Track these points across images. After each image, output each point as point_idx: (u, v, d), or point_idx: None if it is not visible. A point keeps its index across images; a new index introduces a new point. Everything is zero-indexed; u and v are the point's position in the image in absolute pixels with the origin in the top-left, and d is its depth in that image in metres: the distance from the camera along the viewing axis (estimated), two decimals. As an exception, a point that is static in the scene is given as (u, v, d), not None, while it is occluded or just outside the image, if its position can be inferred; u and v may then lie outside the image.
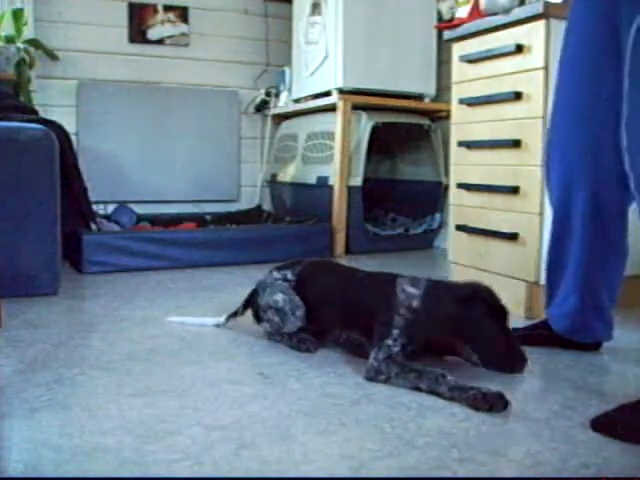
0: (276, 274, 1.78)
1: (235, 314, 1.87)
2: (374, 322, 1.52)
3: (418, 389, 1.38)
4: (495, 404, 1.27)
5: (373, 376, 1.45)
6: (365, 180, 3.43)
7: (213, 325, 1.90)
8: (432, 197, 3.68)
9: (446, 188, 3.31)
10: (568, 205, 1.59)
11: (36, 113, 2.95)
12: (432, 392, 1.36)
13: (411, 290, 1.50)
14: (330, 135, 3.46)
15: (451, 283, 1.58)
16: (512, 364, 1.45)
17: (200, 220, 3.70)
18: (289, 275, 1.75)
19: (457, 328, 1.44)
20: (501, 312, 1.46)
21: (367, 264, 2.99)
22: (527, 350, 1.49)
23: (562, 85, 1.60)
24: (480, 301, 1.44)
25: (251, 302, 1.83)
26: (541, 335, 1.72)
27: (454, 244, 2.43)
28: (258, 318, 1.80)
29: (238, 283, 2.62)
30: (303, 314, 1.68)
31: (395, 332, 1.46)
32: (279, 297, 1.70)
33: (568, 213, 1.60)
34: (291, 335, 1.69)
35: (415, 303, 1.48)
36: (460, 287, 1.50)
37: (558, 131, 1.61)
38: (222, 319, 1.89)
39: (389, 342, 1.46)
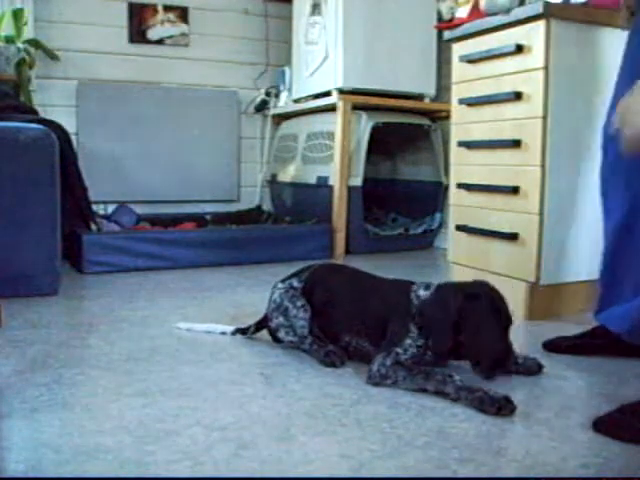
0: (280, 285, 1.72)
1: (244, 331, 1.80)
2: (387, 330, 1.49)
3: (424, 390, 1.38)
4: (502, 407, 1.26)
5: (379, 381, 1.43)
6: (365, 180, 3.43)
7: (219, 333, 1.83)
8: (432, 197, 3.68)
9: (446, 188, 3.31)
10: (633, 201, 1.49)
11: (36, 113, 2.95)
12: (438, 393, 1.36)
13: (423, 293, 1.48)
14: (330, 135, 3.46)
15: (461, 283, 1.53)
16: (492, 367, 1.39)
17: (200, 220, 3.70)
18: (295, 283, 1.69)
19: (458, 325, 1.40)
20: (503, 316, 1.42)
21: (367, 264, 2.99)
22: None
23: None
24: (484, 300, 1.41)
25: (264, 323, 1.75)
26: (601, 344, 1.63)
27: (454, 244, 2.43)
28: (274, 336, 1.73)
29: (238, 283, 2.62)
30: (305, 303, 1.63)
31: (407, 342, 1.44)
32: (276, 296, 1.68)
33: (633, 210, 1.50)
34: (319, 347, 1.61)
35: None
36: (468, 286, 1.47)
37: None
38: (229, 330, 1.82)
39: (399, 350, 1.43)
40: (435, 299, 1.46)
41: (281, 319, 1.66)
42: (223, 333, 1.83)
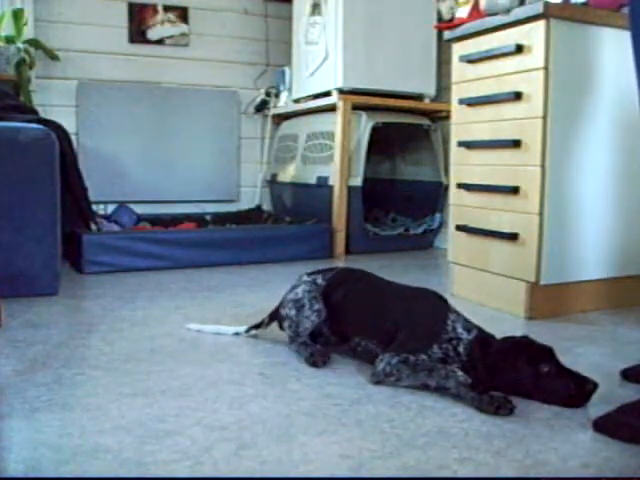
0: (306, 278, 1.74)
1: (259, 326, 1.79)
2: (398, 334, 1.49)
3: (426, 387, 1.38)
4: (501, 407, 1.27)
5: (382, 379, 1.43)
6: (365, 180, 3.43)
7: (232, 334, 1.82)
8: (432, 197, 3.68)
9: (446, 188, 3.31)
10: None
11: (36, 113, 2.95)
12: (440, 388, 1.36)
13: (461, 332, 1.46)
14: (330, 135, 3.46)
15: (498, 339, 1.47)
16: (584, 396, 1.33)
17: (200, 220, 3.70)
18: (319, 280, 1.71)
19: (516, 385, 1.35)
20: (551, 354, 1.36)
21: (367, 264, 2.99)
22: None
23: None
24: (526, 348, 1.36)
25: (277, 313, 1.75)
26: None
27: (454, 244, 2.43)
28: (281, 323, 1.73)
29: (238, 283, 2.62)
30: (321, 309, 1.64)
31: (423, 357, 1.42)
32: (300, 289, 1.69)
33: None
34: (307, 345, 1.63)
35: (461, 348, 1.44)
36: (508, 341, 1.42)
37: None
38: (242, 329, 1.81)
39: (410, 357, 1.42)
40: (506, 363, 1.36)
41: (293, 312, 1.66)
42: (237, 334, 1.82)
